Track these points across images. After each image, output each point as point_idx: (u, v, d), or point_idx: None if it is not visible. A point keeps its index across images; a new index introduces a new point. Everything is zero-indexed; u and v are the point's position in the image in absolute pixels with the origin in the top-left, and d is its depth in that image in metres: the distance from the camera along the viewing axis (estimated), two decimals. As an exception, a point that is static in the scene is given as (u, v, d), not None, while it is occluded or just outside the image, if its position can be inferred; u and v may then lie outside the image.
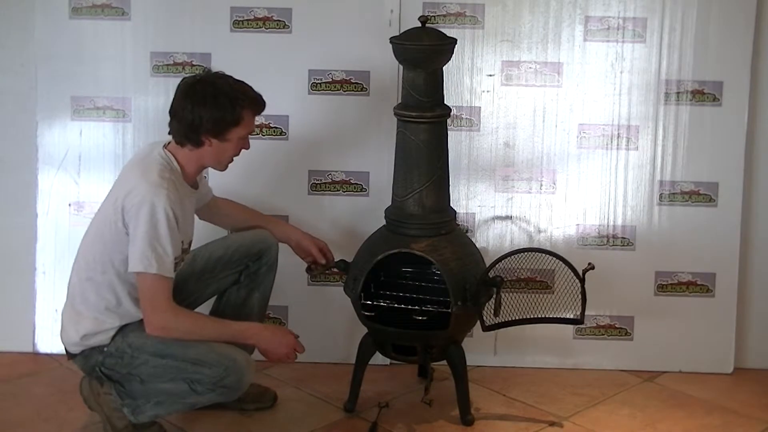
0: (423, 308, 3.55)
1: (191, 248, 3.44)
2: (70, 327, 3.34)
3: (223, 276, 3.58)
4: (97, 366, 3.32)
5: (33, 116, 3.98)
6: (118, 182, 3.34)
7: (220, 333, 3.27)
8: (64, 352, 3.44)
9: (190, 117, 3.19)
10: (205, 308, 3.62)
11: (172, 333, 3.20)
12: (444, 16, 3.86)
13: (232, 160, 3.35)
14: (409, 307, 3.56)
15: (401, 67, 3.54)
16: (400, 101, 3.55)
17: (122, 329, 3.28)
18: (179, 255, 3.26)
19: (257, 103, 3.27)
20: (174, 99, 3.25)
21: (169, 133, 3.27)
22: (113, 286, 3.26)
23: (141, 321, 3.27)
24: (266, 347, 3.30)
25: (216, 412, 3.60)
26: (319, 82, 3.93)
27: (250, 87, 3.27)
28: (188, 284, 3.51)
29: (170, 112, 3.26)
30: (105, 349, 3.29)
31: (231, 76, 3.27)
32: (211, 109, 3.18)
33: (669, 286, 4.01)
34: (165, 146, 3.29)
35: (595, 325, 4.02)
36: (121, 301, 3.28)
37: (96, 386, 3.37)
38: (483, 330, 3.48)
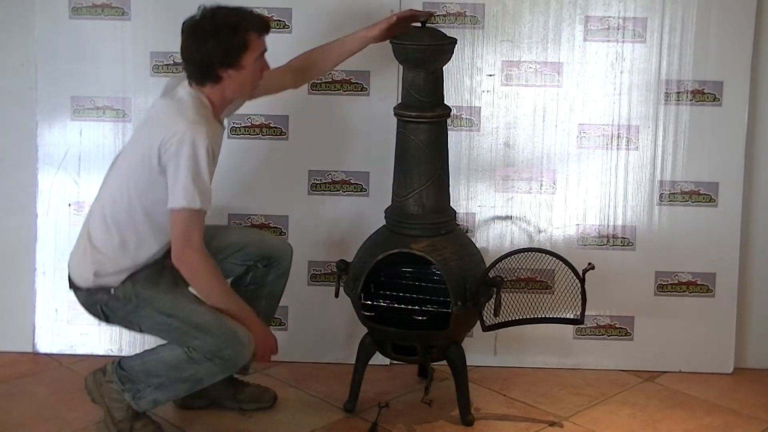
0: (423, 308, 3.55)
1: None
2: (84, 261, 3.31)
3: (227, 262, 3.53)
4: (100, 304, 3.30)
5: (33, 116, 3.97)
6: (149, 123, 3.33)
7: (229, 300, 3.28)
8: (67, 283, 3.39)
9: (199, 56, 3.20)
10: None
11: (194, 273, 3.21)
12: (444, 16, 3.86)
13: (256, 85, 3.34)
14: (409, 307, 3.56)
15: (401, 67, 3.54)
16: (400, 101, 3.55)
17: (133, 276, 3.27)
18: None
19: (259, 23, 3.27)
20: (181, 44, 3.26)
21: (188, 77, 3.27)
22: (137, 225, 3.25)
23: (153, 272, 3.28)
24: (258, 341, 3.29)
25: (216, 413, 3.60)
26: (319, 81, 3.93)
27: (250, 10, 3.27)
28: None
29: (181, 57, 3.28)
30: (112, 291, 3.28)
31: (228, 6, 3.25)
32: (216, 43, 3.18)
33: (669, 286, 4.01)
34: (189, 84, 3.28)
35: (595, 325, 4.02)
36: (141, 242, 3.26)
37: (99, 377, 3.37)
38: (483, 330, 3.48)
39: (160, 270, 3.33)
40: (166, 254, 3.29)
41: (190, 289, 3.34)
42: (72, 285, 3.38)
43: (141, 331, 3.37)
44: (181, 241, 3.18)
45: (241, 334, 3.24)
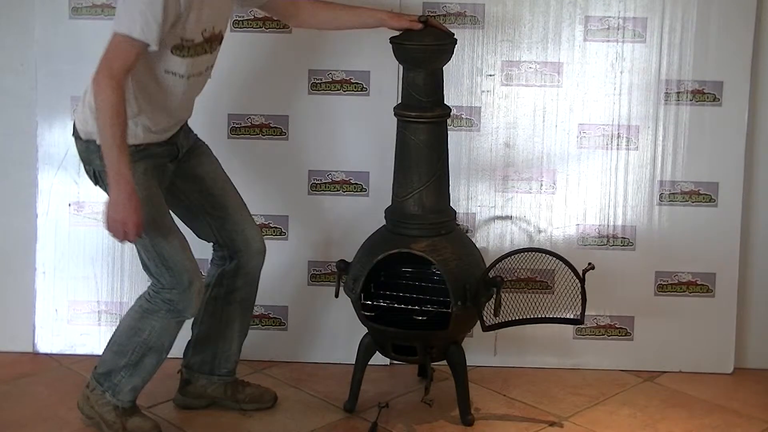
0: (423, 308, 3.55)
1: None
2: (83, 108, 3.25)
3: (198, 223, 3.52)
4: (94, 167, 3.24)
5: (33, 116, 3.97)
6: None
7: (110, 148, 3.06)
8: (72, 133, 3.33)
9: None
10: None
11: (97, 97, 3.06)
12: (444, 16, 3.86)
13: None
14: (409, 307, 3.56)
15: (401, 67, 3.54)
16: (400, 101, 3.55)
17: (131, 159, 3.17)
18: (194, 39, 3.16)
19: None
20: None
21: None
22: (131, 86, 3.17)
23: (151, 168, 3.25)
24: (109, 211, 3.14)
25: (216, 412, 3.61)
26: (319, 82, 3.93)
27: None
28: (189, 186, 3.46)
29: None
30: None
31: None
32: None
33: (669, 286, 4.01)
34: None
35: (595, 325, 4.02)
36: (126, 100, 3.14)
37: (85, 391, 3.44)
38: (483, 330, 3.48)
39: (161, 171, 3.32)
40: (170, 153, 3.31)
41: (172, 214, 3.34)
42: (74, 132, 3.31)
43: None
44: (103, 64, 3.08)
45: (195, 287, 3.28)
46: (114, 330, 3.45)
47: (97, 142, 3.15)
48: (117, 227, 3.12)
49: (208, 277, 3.59)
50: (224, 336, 3.61)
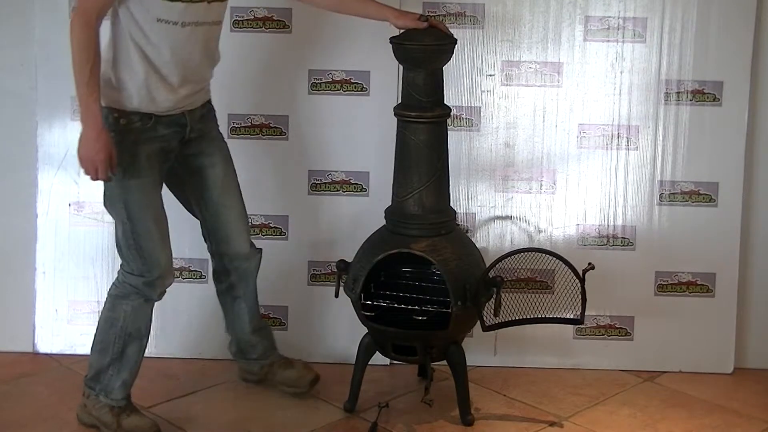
0: (423, 308, 3.55)
1: None
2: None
3: (189, 207, 3.58)
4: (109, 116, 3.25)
5: (33, 116, 3.97)
6: None
7: (80, 85, 3.11)
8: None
9: None
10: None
11: (70, 36, 3.09)
12: (444, 15, 3.86)
13: None
14: (409, 307, 3.56)
15: (401, 66, 3.54)
16: (400, 101, 3.55)
17: (126, 127, 3.22)
18: (178, 16, 3.17)
19: None
20: None
21: None
22: (119, 38, 3.20)
23: (155, 152, 3.28)
24: (79, 148, 3.17)
25: (215, 413, 3.60)
26: (319, 82, 3.93)
27: None
28: (191, 178, 3.49)
29: None
30: (115, 115, 3.24)
31: None
32: None
33: (669, 286, 4.01)
34: None
35: (595, 325, 4.02)
36: (125, 61, 3.19)
37: (81, 399, 3.48)
38: (483, 330, 3.48)
39: (166, 154, 3.33)
40: (178, 135, 3.32)
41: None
42: None
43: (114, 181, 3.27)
44: (77, 5, 3.11)
45: (163, 279, 3.34)
46: (95, 331, 3.48)
47: (103, 104, 3.18)
48: (87, 165, 3.16)
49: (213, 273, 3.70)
50: (240, 327, 3.70)
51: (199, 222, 3.59)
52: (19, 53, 3.96)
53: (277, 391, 3.72)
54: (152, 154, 3.29)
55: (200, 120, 3.41)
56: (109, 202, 3.34)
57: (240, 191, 3.57)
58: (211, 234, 3.59)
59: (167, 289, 3.43)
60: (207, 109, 3.46)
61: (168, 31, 3.18)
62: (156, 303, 3.42)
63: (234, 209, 3.55)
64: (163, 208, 3.37)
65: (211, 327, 3.96)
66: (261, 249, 3.68)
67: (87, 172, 3.18)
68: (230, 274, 3.64)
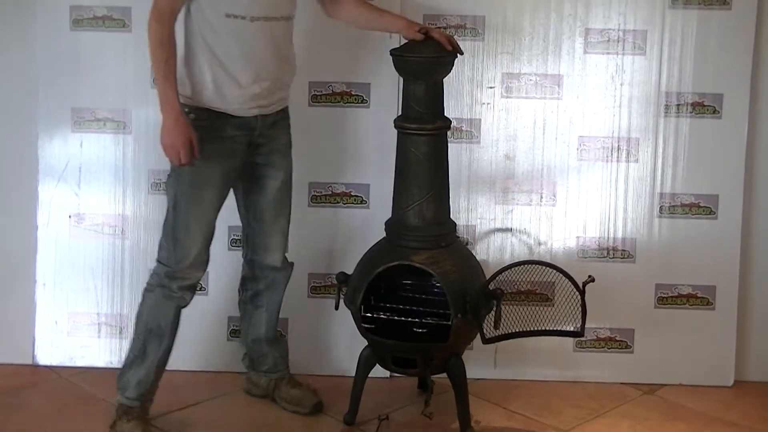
0: (423, 321, 3.54)
1: None
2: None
3: (242, 211, 3.64)
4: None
5: (34, 128, 3.98)
6: None
7: (158, 78, 3.24)
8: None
9: None
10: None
11: (148, 33, 3.23)
12: (444, 27, 3.86)
13: None
14: (409, 319, 3.55)
15: (402, 79, 3.55)
16: (400, 113, 3.56)
17: (194, 123, 3.28)
18: (245, 10, 3.26)
19: None
20: None
21: None
22: (190, 36, 3.31)
23: (221, 149, 3.34)
24: (162, 136, 3.25)
25: (216, 418, 3.60)
26: (320, 94, 3.93)
27: None
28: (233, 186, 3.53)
29: None
30: (186, 110, 3.30)
31: None
32: None
33: (669, 298, 4.01)
34: None
35: (595, 337, 4.02)
36: (193, 58, 3.31)
37: (112, 413, 3.51)
38: (483, 342, 3.48)
39: (230, 155, 3.38)
40: (246, 138, 3.37)
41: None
42: None
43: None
44: (152, 5, 3.22)
45: (187, 277, 3.40)
46: None
47: (181, 100, 3.26)
48: (169, 151, 3.24)
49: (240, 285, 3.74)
50: (255, 335, 3.72)
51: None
52: (20, 65, 3.96)
53: (278, 406, 3.72)
54: (215, 154, 3.33)
55: (272, 126, 3.46)
56: (167, 186, 3.42)
57: (290, 208, 3.62)
58: (249, 239, 3.63)
59: (190, 302, 3.46)
60: (281, 117, 3.51)
61: (237, 26, 3.26)
62: None
63: (279, 224, 3.60)
64: (213, 208, 3.40)
65: (212, 340, 3.96)
66: (293, 263, 3.70)
67: (171, 159, 3.27)
68: (258, 281, 3.66)
